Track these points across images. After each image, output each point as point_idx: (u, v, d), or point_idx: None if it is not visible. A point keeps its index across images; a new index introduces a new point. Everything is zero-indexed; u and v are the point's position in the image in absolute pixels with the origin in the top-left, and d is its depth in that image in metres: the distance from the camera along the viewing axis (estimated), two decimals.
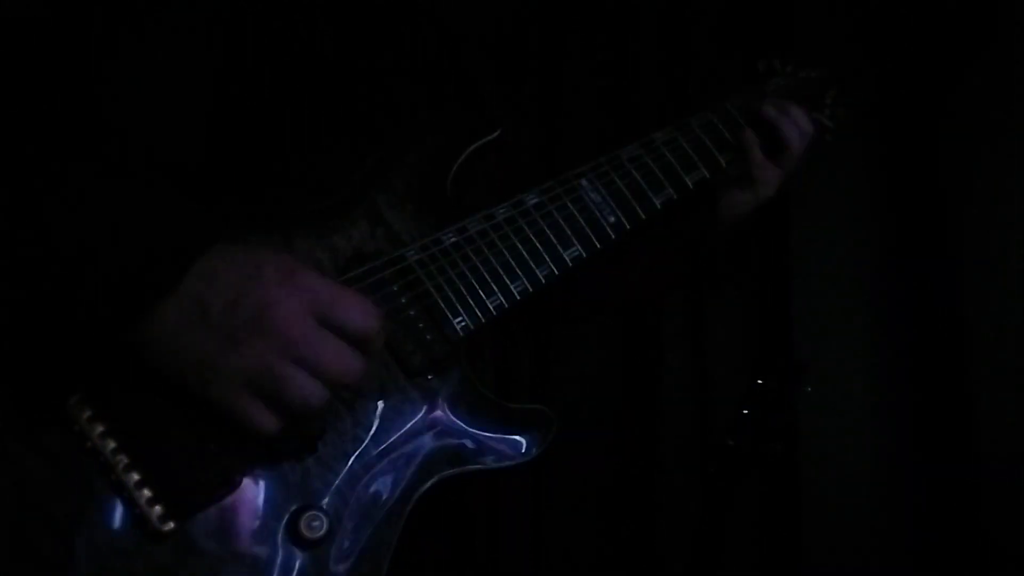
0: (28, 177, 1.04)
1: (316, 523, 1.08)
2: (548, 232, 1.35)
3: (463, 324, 1.24)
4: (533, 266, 1.32)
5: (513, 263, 1.31)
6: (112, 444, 1.03)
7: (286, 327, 1.01)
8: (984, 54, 2.29)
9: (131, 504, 1.02)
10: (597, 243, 1.38)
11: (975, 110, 2.31)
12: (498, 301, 1.28)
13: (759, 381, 1.79)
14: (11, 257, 1.00)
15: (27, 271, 1.00)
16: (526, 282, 1.31)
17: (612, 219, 1.40)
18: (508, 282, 1.29)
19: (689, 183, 1.49)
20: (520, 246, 1.32)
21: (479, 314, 1.26)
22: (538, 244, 1.33)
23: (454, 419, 1.22)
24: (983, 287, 2.28)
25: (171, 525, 1.03)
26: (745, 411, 1.80)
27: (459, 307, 1.25)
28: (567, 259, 1.35)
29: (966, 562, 2.24)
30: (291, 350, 1.01)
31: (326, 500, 1.11)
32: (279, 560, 1.08)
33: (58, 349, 1.00)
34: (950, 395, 2.29)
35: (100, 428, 1.03)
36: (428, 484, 1.18)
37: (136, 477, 1.03)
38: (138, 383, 1.06)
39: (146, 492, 1.03)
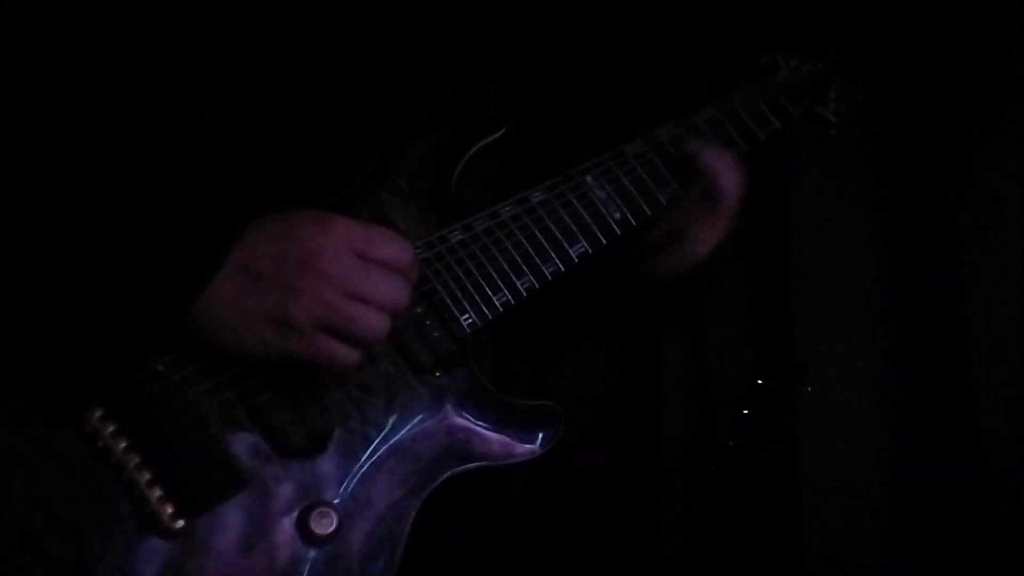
0: (36, 177, 1.04)
1: (326, 519, 1.10)
2: (554, 229, 1.35)
3: (470, 322, 1.25)
4: (539, 263, 1.33)
5: (519, 260, 1.31)
6: (123, 443, 1.03)
7: (336, 268, 1.06)
8: (984, 54, 2.29)
9: (142, 503, 1.03)
10: (603, 239, 1.38)
11: (976, 110, 2.30)
12: (505, 298, 1.29)
13: (759, 381, 1.79)
14: (46, 256, 1.00)
15: (67, 269, 1.01)
16: (532, 279, 1.31)
17: (617, 216, 1.41)
18: (515, 279, 1.30)
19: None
20: (526, 243, 1.33)
21: (486, 311, 1.27)
22: (544, 241, 1.34)
23: (462, 416, 1.23)
24: (983, 287, 2.28)
25: (181, 523, 1.04)
26: (745, 411, 1.79)
27: (466, 305, 1.26)
28: (573, 255, 1.36)
29: (966, 562, 2.24)
30: (347, 287, 1.06)
31: (336, 497, 1.12)
32: (289, 556, 1.08)
33: (82, 353, 1.01)
34: (950, 395, 2.28)
35: (111, 428, 1.03)
36: (437, 481, 1.19)
37: (147, 476, 1.03)
38: (148, 383, 1.06)
39: (157, 491, 1.03)
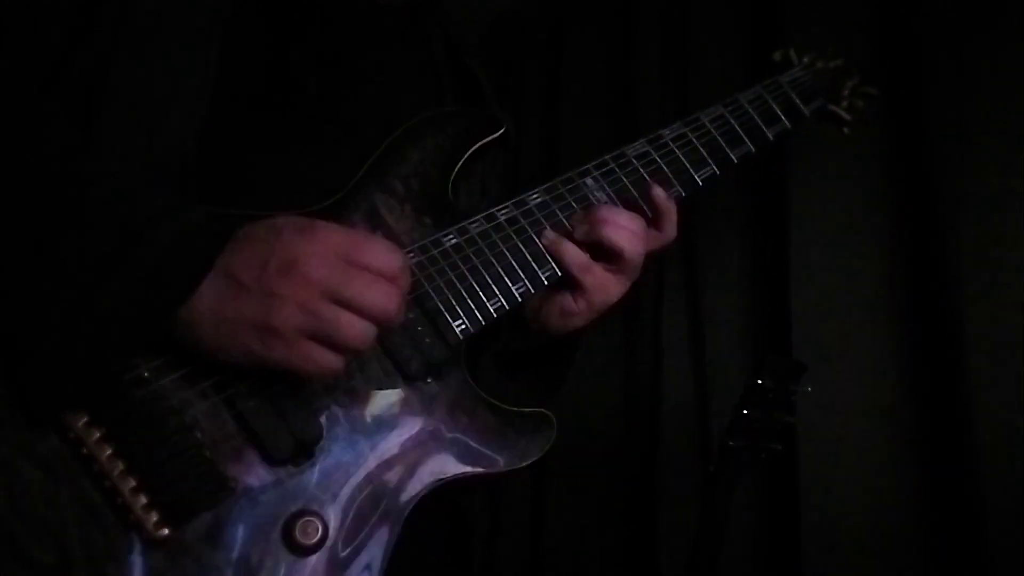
0: (20, 177, 1.03)
1: (311, 529, 1.09)
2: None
3: (463, 327, 1.23)
4: (536, 267, 1.30)
5: (515, 264, 1.29)
6: (108, 450, 1.02)
7: (319, 273, 1.03)
8: (983, 51, 2.28)
9: (126, 511, 1.02)
10: None
11: (975, 109, 2.30)
12: (499, 303, 1.27)
13: (759, 381, 1.78)
14: (32, 260, 1.00)
15: (49, 274, 1.00)
16: (528, 284, 1.29)
17: None
18: (510, 284, 1.28)
19: (698, 180, 1.46)
20: (523, 247, 1.30)
21: (479, 317, 1.25)
22: (541, 245, 1.32)
23: (453, 424, 1.21)
24: (983, 286, 2.27)
25: (166, 531, 1.03)
26: (745, 411, 1.79)
27: (459, 310, 1.23)
28: None
29: (967, 563, 2.23)
30: (331, 292, 1.04)
31: (322, 506, 1.11)
32: (274, 565, 1.07)
33: (71, 356, 1.00)
34: (950, 395, 2.27)
35: (96, 435, 1.02)
36: (426, 489, 1.17)
37: (132, 484, 1.02)
38: (134, 389, 1.06)
39: (141, 499, 1.02)
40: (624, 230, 1.33)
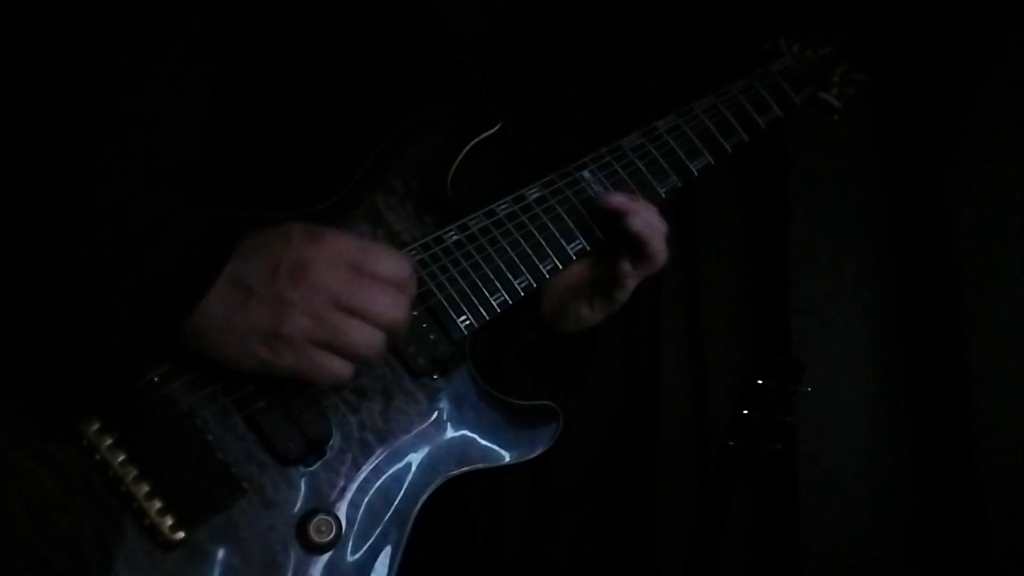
0: (29, 182, 1.02)
1: (325, 527, 1.09)
2: (551, 226, 1.34)
3: (467, 323, 1.23)
4: (536, 261, 1.31)
5: (516, 259, 1.29)
6: (121, 456, 1.02)
7: (328, 280, 1.04)
8: (982, 47, 2.29)
9: (141, 515, 1.01)
10: (601, 235, 1.36)
11: (974, 107, 2.30)
12: (502, 298, 1.27)
13: (759, 381, 1.78)
14: (41, 268, 0.99)
15: (59, 280, 0.99)
16: (530, 278, 1.30)
17: None
18: (512, 278, 1.28)
19: (694, 170, 1.47)
20: (523, 241, 1.31)
21: (483, 312, 1.25)
22: (541, 239, 1.32)
23: (460, 419, 1.21)
24: (983, 286, 2.27)
25: (181, 534, 1.02)
26: (745, 411, 1.79)
27: (463, 306, 1.24)
28: (571, 252, 1.34)
29: (966, 563, 2.23)
30: (340, 300, 1.04)
31: (335, 504, 1.11)
32: (289, 564, 1.07)
33: (81, 360, 0.99)
34: (949, 394, 2.27)
35: (109, 441, 1.02)
36: (436, 484, 1.17)
37: (145, 489, 1.02)
38: (144, 394, 1.05)
39: (156, 503, 1.02)
40: (649, 225, 1.35)
